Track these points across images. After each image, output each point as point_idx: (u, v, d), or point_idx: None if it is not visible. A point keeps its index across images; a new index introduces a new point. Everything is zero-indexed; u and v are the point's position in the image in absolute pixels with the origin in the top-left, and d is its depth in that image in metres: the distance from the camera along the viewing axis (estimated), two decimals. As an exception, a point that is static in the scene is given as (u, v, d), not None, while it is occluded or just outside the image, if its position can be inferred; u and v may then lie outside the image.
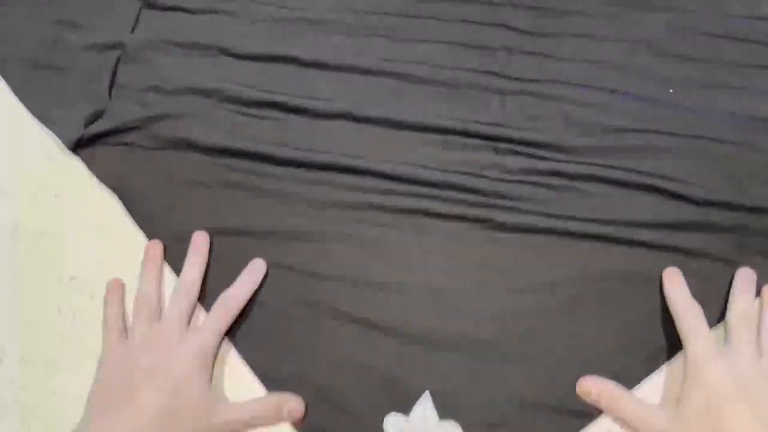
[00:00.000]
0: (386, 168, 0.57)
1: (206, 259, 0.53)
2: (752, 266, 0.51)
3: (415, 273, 0.54)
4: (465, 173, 0.56)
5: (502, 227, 0.55)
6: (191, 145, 0.59)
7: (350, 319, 0.52)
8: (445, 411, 0.49)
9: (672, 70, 0.60)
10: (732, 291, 0.50)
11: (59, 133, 0.60)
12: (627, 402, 0.47)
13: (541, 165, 0.56)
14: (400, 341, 0.52)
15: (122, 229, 0.57)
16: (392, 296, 0.53)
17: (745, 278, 0.51)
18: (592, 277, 0.53)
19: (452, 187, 0.56)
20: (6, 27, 0.66)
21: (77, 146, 0.59)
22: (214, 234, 0.55)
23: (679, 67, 0.60)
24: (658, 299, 0.51)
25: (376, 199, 0.56)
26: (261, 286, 0.53)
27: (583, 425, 0.49)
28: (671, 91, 0.59)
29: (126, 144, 0.59)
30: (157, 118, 0.60)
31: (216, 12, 0.65)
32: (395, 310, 0.53)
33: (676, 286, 0.50)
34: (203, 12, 0.65)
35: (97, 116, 0.60)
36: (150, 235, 0.56)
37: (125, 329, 0.52)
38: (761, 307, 0.50)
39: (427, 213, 0.55)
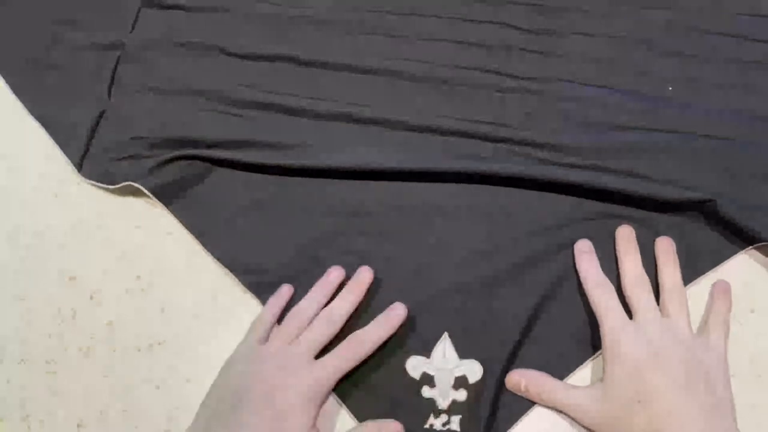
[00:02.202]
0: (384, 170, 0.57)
1: (362, 298, 0.51)
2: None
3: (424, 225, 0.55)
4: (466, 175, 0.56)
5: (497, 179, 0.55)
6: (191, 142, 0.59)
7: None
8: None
9: (671, 68, 0.60)
10: (617, 255, 0.52)
11: (63, 146, 0.60)
12: (554, 389, 0.48)
13: (538, 168, 0.56)
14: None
15: (122, 229, 0.57)
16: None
17: (624, 238, 0.52)
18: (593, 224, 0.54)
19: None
20: (6, 26, 0.66)
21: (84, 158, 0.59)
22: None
23: (679, 65, 0.60)
24: None
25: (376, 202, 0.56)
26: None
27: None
28: (670, 88, 0.59)
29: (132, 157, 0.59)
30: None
31: (215, 10, 0.65)
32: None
33: (586, 262, 0.51)
34: (202, 10, 0.65)
35: (98, 117, 0.60)
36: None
37: (267, 336, 0.50)
38: (658, 263, 0.51)
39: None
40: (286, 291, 0.52)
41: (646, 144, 0.57)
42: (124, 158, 0.59)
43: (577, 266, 0.51)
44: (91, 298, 0.54)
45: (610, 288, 0.49)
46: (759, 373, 0.49)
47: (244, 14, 0.65)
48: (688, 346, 0.45)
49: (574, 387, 0.48)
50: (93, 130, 0.60)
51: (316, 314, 0.50)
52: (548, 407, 0.48)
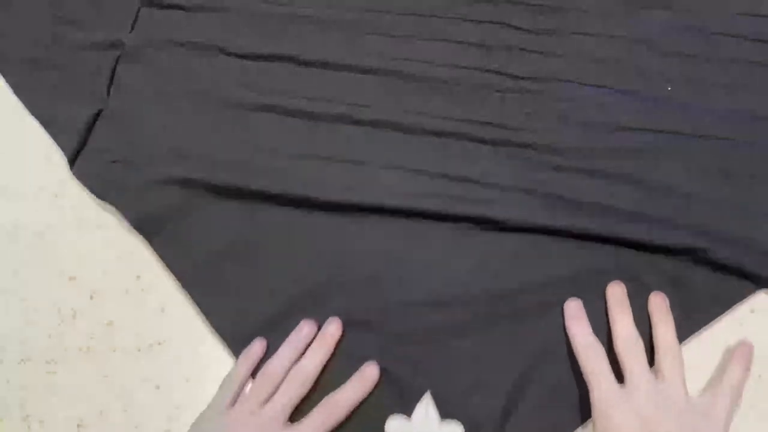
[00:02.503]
0: (380, 189, 0.56)
1: (332, 352, 0.50)
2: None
3: (414, 273, 0.54)
4: (463, 180, 0.56)
5: (499, 227, 0.54)
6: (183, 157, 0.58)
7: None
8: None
9: (671, 67, 0.60)
10: (609, 315, 0.50)
11: (60, 143, 0.60)
12: None
13: (534, 172, 0.55)
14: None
15: (122, 229, 0.57)
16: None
17: (614, 297, 0.50)
18: (585, 279, 0.52)
19: (450, 196, 0.55)
20: (5, 24, 0.66)
21: (77, 154, 0.59)
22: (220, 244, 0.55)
23: (679, 65, 0.60)
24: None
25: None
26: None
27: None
28: (669, 88, 0.59)
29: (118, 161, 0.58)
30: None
31: (214, 10, 0.65)
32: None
33: (576, 323, 0.49)
34: (201, 9, 0.65)
35: (95, 115, 0.60)
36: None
37: (237, 397, 0.48)
38: (652, 322, 0.49)
39: (424, 215, 0.55)
40: (257, 347, 0.50)
41: (645, 146, 0.56)
42: (118, 161, 0.58)
43: (567, 327, 0.50)
44: (91, 298, 0.54)
45: (601, 350, 0.47)
46: (759, 373, 0.49)
47: (242, 13, 0.65)
48: (682, 412, 0.43)
49: None
50: (89, 128, 0.60)
51: (288, 371, 0.49)
52: None
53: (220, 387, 0.49)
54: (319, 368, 0.49)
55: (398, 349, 0.51)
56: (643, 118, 0.58)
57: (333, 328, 0.50)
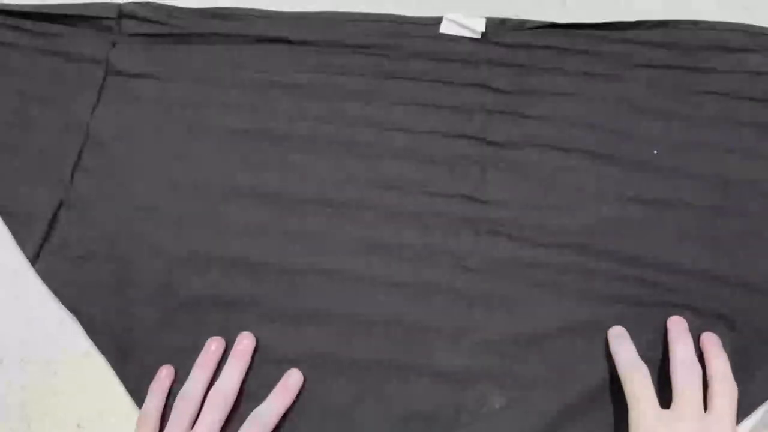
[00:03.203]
0: (359, 264, 0.54)
1: (248, 366, 0.50)
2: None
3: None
4: (446, 267, 0.54)
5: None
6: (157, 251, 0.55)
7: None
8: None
9: (656, 129, 0.57)
10: (669, 339, 0.48)
11: (21, 245, 0.56)
12: None
13: (522, 252, 0.53)
14: None
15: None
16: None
17: (677, 325, 0.49)
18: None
19: (432, 287, 0.53)
20: None
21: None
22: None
23: (664, 126, 0.57)
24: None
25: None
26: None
27: None
28: (655, 152, 0.56)
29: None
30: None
31: (182, 79, 0.61)
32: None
33: (621, 346, 0.48)
34: (170, 78, 0.61)
35: (57, 207, 0.56)
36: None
37: (158, 427, 0.48)
38: (706, 356, 0.47)
39: (404, 325, 0.52)
40: (165, 374, 0.50)
41: (632, 218, 0.54)
42: (82, 257, 0.54)
43: (611, 348, 0.48)
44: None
45: (646, 372, 0.45)
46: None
47: (215, 83, 0.60)
48: None
49: None
50: (51, 222, 0.55)
51: (205, 392, 0.48)
52: None
53: (137, 426, 0.48)
54: (238, 385, 0.48)
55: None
56: (628, 188, 0.55)
57: (246, 344, 0.50)
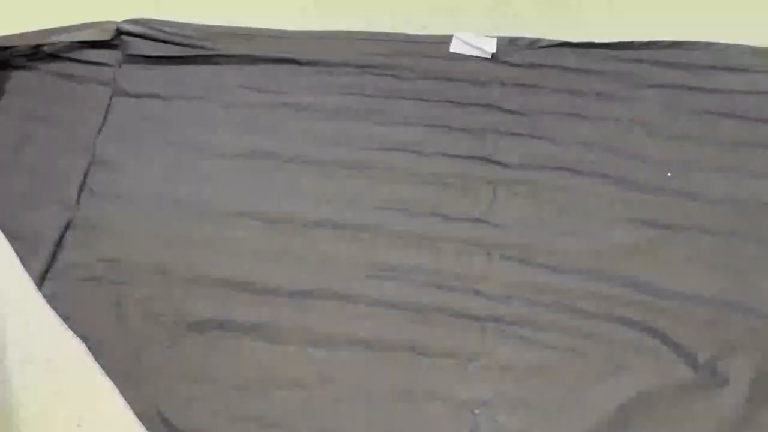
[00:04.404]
0: (372, 292, 0.53)
1: None
2: None
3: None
4: (459, 291, 0.53)
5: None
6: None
7: None
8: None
9: (670, 151, 0.56)
10: None
11: (27, 267, 0.55)
12: None
13: (532, 276, 0.53)
14: None
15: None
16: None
17: None
18: None
19: (446, 310, 0.52)
20: None
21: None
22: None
23: (678, 149, 0.56)
24: None
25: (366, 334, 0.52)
26: None
27: None
28: (669, 174, 0.55)
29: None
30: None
31: (188, 98, 0.61)
32: None
33: None
34: (176, 98, 0.61)
35: (64, 229, 0.56)
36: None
37: None
38: None
39: (417, 350, 0.51)
40: None
41: (645, 242, 0.53)
42: (88, 279, 0.55)
43: None
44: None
45: None
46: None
47: (219, 102, 0.61)
48: None
49: None
50: (57, 244, 0.56)
51: None
52: None
53: None
54: None
55: None
56: (642, 210, 0.54)
57: None
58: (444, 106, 0.60)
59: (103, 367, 0.52)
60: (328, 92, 0.61)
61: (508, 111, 0.59)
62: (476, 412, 0.49)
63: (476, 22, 0.64)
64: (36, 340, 0.54)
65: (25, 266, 0.56)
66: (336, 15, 0.65)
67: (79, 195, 0.58)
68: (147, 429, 0.50)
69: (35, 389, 0.52)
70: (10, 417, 0.52)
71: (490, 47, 0.62)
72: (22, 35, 0.64)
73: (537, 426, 0.49)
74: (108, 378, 0.51)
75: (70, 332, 0.53)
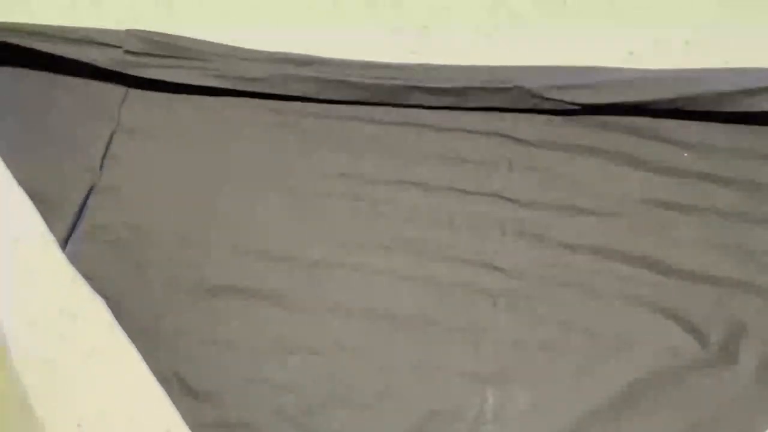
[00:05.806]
0: (388, 264, 0.54)
1: None
2: None
3: None
4: (473, 265, 0.53)
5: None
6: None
7: None
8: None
9: (686, 131, 0.57)
10: None
11: (52, 230, 0.56)
12: None
13: (546, 252, 0.53)
14: None
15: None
16: None
17: None
18: None
19: (459, 284, 0.52)
20: (3, 87, 0.62)
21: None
22: None
23: (695, 130, 0.57)
24: None
25: None
26: None
27: None
28: (685, 155, 0.56)
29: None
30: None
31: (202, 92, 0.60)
32: None
33: None
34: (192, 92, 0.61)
35: (87, 194, 0.57)
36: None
37: None
38: None
39: (430, 323, 0.52)
40: None
41: (657, 222, 0.53)
42: (110, 242, 0.55)
43: None
44: (92, 299, 0.54)
45: None
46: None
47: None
48: None
49: None
50: (81, 209, 0.57)
51: None
52: None
53: None
54: None
55: None
56: (654, 191, 0.55)
57: None
58: (457, 135, 0.59)
59: (122, 326, 0.53)
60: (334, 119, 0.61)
61: (517, 140, 0.59)
62: (487, 386, 0.50)
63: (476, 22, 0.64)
64: (35, 339, 0.53)
65: (49, 228, 0.56)
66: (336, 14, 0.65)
67: (102, 161, 0.59)
68: (163, 389, 0.50)
69: (35, 389, 0.51)
70: (11, 416, 0.51)
71: None
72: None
73: (547, 401, 0.49)
74: (108, 380, 0.51)
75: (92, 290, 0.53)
